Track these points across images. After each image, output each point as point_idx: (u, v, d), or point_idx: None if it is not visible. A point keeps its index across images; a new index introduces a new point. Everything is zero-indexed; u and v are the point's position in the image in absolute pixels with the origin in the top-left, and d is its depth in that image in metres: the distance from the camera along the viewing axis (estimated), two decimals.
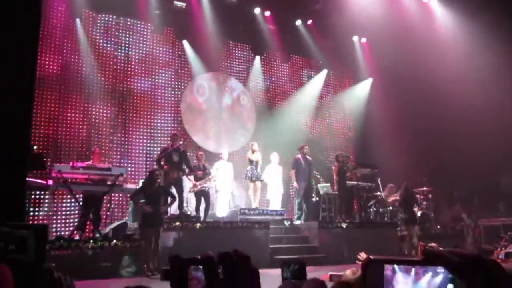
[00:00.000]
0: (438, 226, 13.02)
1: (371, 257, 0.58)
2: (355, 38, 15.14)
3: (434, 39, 13.49)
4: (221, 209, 10.23)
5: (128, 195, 8.77)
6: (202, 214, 9.24)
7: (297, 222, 10.46)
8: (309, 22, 14.28)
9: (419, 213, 11.71)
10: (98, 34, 11.64)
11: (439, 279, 0.55)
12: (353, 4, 12.84)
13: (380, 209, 11.87)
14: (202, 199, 9.37)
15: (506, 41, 11.82)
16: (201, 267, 1.51)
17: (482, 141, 12.49)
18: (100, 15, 11.68)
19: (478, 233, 13.48)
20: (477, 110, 12.52)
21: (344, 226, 10.04)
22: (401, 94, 13.74)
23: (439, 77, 13.02)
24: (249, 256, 1.59)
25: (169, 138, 9.60)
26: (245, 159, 10.73)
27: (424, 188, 12.58)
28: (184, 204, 9.26)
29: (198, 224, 8.41)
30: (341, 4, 12.92)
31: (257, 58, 14.07)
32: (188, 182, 9.58)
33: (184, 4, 12.67)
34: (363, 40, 15.21)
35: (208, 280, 1.48)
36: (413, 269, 0.58)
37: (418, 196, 11.89)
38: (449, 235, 12.39)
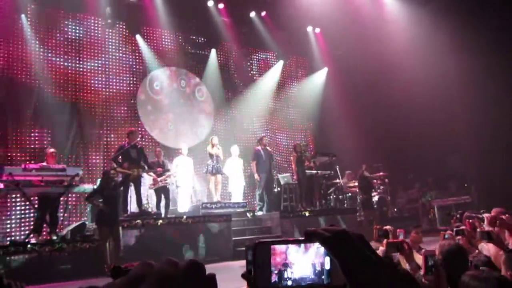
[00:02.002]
0: (395, 209, 13.52)
1: (261, 240, 0.67)
2: (309, 29, 15.32)
3: (385, 27, 13.88)
4: (183, 205, 10.19)
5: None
6: (163, 210, 9.18)
7: (259, 213, 10.59)
8: (263, 13, 14.31)
9: (376, 198, 12.13)
10: (46, 30, 11.23)
11: (323, 248, 0.66)
12: None
13: (340, 196, 12.18)
14: (163, 195, 9.30)
15: (453, 29, 12.34)
16: None
17: (431, 125, 13.10)
18: (46, 10, 11.25)
19: (433, 214, 14.12)
20: (426, 96, 13.07)
21: (305, 215, 10.25)
22: (355, 82, 14.12)
23: (391, 65, 13.44)
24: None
25: (126, 135, 9.41)
26: (205, 154, 10.71)
27: (381, 173, 12.98)
28: (145, 201, 9.16)
29: (160, 221, 8.36)
30: None
31: (213, 51, 13.99)
32: (148, 179, 9.47)
33: None
34: (317, 30, 15.42)
35: None
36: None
37: (375, 181, 12.31)
38: (405, 217, 12.88)
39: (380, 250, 2.92)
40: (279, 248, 0.67)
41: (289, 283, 0.67)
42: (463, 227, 4.00)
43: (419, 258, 2.90)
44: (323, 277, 0.68)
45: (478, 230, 3.44)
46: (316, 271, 0.67)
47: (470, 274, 2.14)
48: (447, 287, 2.32)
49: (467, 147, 13.23)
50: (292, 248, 0.68)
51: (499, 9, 12.34)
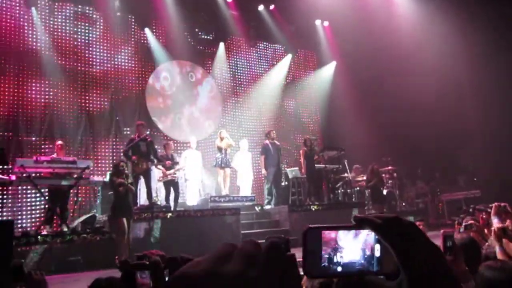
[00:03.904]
0: (404, 204, 13.46)
1: (310, 225, 0.67)
2: (318, 22, 15.24)
3: (394, 21, 13.79)
4: (192, 198, 10.22)
5: (96, 188, 8.64)
6: (172, 203, 9.22)
7: (268, 207, 10.59)
8: (272, 7, 14.26)
9: (385, 192, 12.08)
10: (56, 23, 11.27)
11: (373, 234, 0.65)
12: None
13: (348, 190, 12.14)
14: (172, 188, 9.34)
15: (465, 24, 12.25)
16: (147, 272, 1.55)
17: (442, 119, 13.03)
18: (56, 4, 11.28)
19: (441, 208, 14.05)
20: (437, 90, 13.01)
21: (313, 209, 10.24)
22: (364, 76, 14.03)
23: (400, 58, 13.35)
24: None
25: (135, 128, 9.44)
26: (214, 147, 10.72)
27: (389, 167, 12.92)
28: (154, 194, 9.20)
29: (169, 214, 8.39)
30: None
31: (221, 44, 13.96)
32: (157, 172, 9.51)
33: None
34: (326, 23, 15.34)
35: (155, 285, 1.52)
36: None
37: (383, 175, 12.25)
38: (414, 211, 12.81)
39: None
40: (329, 233, 0.67)
41: (339, 268, 0.66)
42: (471, 221, 3.99)
43: None
44: (373, 262, 0.67)
45: (492, 228, 3.40)
46: (366, 256, 0.67)
47: (486, 265, 2.14)
48: (466, 268, 2.31)
49: (477, 142, 13.14)
50: (342, 232, 0.67)
51: None
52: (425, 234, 0.65)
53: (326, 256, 0.66)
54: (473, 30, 12.27)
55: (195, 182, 10.39)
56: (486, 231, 3.82)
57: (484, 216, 4.50)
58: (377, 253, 0.66)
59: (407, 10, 14.03)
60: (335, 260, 0.66)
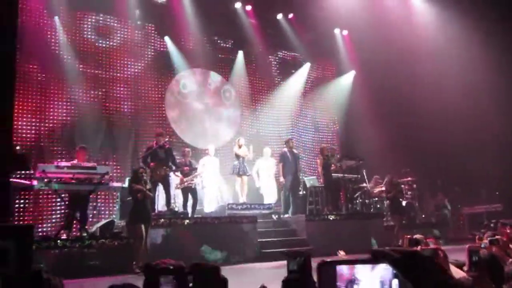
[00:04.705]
0: (423, 216, 13.25)
1: (326, 259, 0.66)
2: (337, 31, 15.20)
3: (414, 30, 13.68)
4: (209, 205, 10.23)
5: (115, 194, 8.71)
6: (190, 210, 9.25)
7: (285, 215, 10.52)
8: (290, 15, 14.29)
9: (404, 203, 11.91)
10: (78, 31, 11.49)
11: (390, 269, 0.64)
12: None
13: (366, 200, 12.02)
14: (190, 195, 9.37)
15: (485, 33, 12.08)
16: (172, 277, 1.55)
17: (463, 128, 12.83)
18: (78, 13, 11.51)
19: (462, 221, 13.78)
20: (456, 102, 12.81)
21: (331, 218, 10.15)
22: (383, 85, 13.91)
23: (420, 68, 13.24)
24: (218, 267, 1.66)
25: (154, 136, 9.53)
26: (232, 154, 10.75)
27: (409, 179, 12.76)
28: (172, 201, 9.24)
29: (186, 221, 8.41)
30: None
31: (240, 53, 14.03)
32: (175, 179, 9.56)
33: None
34: (345, 32, 15.28)
35: None
36: None
37: (402, 186, 12.09)
38: (433, 223, 12.60)
39: None
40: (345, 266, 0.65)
41: None
42: (498, 236, 3.90)
43: (455, 272, 2.83)
44: None
45: None
46: None
47: None
48: (491, 284, 2.25)
49: (499, 155, 12.86)
50: (359, 266, 0.65)
51: None
52: (444, 269, 0.62)
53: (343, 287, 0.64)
54: (491, 37, 12.09)
55: (213, 189, 10.41)
56: (511, 246, 3.73)
57: (508, 231, 4.40)
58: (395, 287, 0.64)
59: (426, 18, 13.93)
60: None
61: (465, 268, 2.47)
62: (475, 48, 12.36)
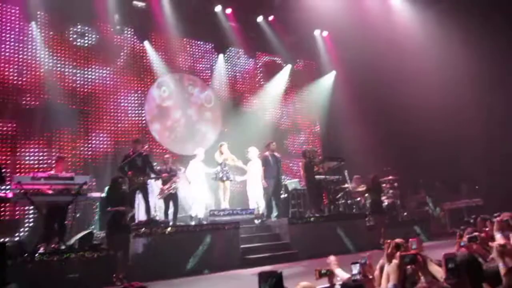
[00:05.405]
0: (405, 213, 13.35)
1: None
2: (317, 32, 15.24)
3: (394, 29, 13.77)
4: (198, 211, 10.06)
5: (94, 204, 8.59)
6: (171, 217, 9.16)
7: (268, 220, 10.47)
8: (271, 18, 14.27)
9: (386, 202, 11.99)
10: (55, 37, 11.30)
11: None
12: None
13: (349, 201, 12.05)
14: (171, 202, 9.28)
15: (464, 30, 12.23)
16: None
17: (443, 127, 12.98)
18: (55, 17, 11.31)
19: (443, 217, 13.93)
20: (438, 97, 12.96)
21: (313, 220, 10.12)
22: (364, 85, 14.00)
23: (400, 68, 13.34)
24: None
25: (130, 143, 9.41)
26: (213, 160, 10.64)
27: (390, 177, 12.83)
28: (153, 211, 9.13)
29: (168, 229, 8.32)
30: None
31: (221, 56, 13.98)
32: (156, 188, 9.45)
33: (144, 4, 12.44)
34: (325, 33, 15.33)
35: None
36: None
37: (384, 185, 12.17)
38: (415, 221, 12.70)
39: (394, 263, 2.83)
40: None
41: None
42: (476, 233, 3.92)
43: (435, 270, 2.83)
44: None
45: (494, 246, 3.30)
46: None
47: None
48: None
49: (479, 150, 13.05)
50: None
51: None
52: None
53: None
54: (473, 36, 12.24)
55: (200, 193, 10.25)
56: (489, 243, 3.72)
57: (487, 229, 4.42)
58: None
59: (406, 18, 14.02)
60: None
61: (443, 276, 2.47)
62: (455, 45, 12.50)
